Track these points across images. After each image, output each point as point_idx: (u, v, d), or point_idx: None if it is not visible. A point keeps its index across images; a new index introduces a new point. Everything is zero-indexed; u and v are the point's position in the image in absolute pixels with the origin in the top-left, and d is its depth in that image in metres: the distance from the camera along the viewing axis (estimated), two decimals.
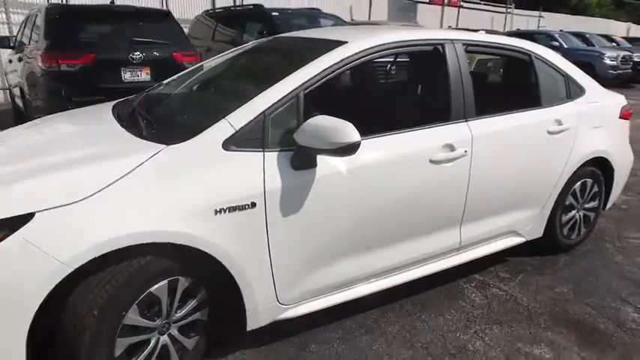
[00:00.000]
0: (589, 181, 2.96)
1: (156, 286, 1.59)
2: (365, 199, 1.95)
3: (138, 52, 4.56)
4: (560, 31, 14.54)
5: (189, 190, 1.59)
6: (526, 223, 2.72)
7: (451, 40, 2.34)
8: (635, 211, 3.87)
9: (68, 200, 1.45)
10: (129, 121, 2.03)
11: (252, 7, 7.42)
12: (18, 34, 6.29)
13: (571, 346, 2.14)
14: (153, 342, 1.66)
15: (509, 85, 2.95)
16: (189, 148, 1.65)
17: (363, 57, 2.03)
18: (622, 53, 12.30)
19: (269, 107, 1.76)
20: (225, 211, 1.62)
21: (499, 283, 2.67)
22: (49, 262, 1.38)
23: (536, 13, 21.19)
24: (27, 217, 1.40)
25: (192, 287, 1.72)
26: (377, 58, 2.09)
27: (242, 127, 1.71)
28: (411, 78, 2.74)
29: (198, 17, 8.54)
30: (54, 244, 1.39)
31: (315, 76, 1.88)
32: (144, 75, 4.66)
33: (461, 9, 17.61)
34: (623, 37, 18.01)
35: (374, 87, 2.98)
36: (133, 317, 1.56)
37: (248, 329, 1.84)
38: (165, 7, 9.82)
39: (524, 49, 2.68)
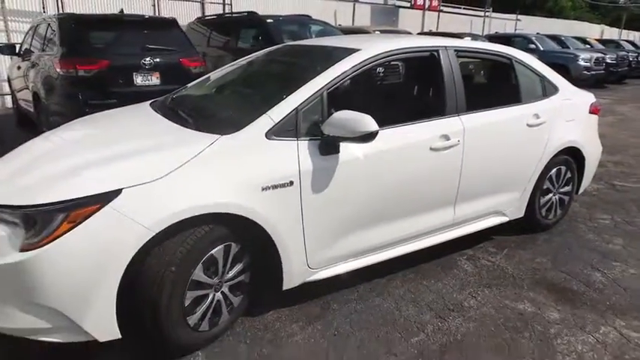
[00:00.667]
0: (563, 168, 3.40)
1: (215, 249, 1.94)
2: (378, 179, 2.34)
3: (148, 58, 4.88)
4: (537, 34, 15.27)
5: (241, 171, 1.96)
6: (509, 204, 3.14)
7: (445, 46, 2.75)
8: (604, 197, 4.34)
9: (148, 179, 1.79)
10: (177, 117, 2.38)
11: (246, 14, 7.76)
12: (23, 42, 6.53)
13: (549, 302, 2.56)
14: (210, 297, 2.02)
15: (493, 84, 3.38)
16: (239, 137, 2.01)
17: (373, 62, 2.42)
18: (595, 55, 13.01)
19: (300, 104, 2.14)
20: (269, 189, 1.99)
21: (487, 256, 3.08)
22: (136, 227, 1.73)
23: (513, 16, 22.00)
24: (116, 193, 1.74)
25: (239, 253, 2.07)
26: (385, 63, 2.49)
27: (280, 120, 2.08)
28: (412, 79, 3.14)
29: (191, 25, 8.83)
30: (139, 213, 1.74)
31: (336, 77, 2.27)
32: (154, 79, 4.97)
33: (441, 13, 18.24)
34: (596, 40, 18.90)
35: (382, 86, 3.38)
36: (198, 274, 1.91)
37: (284, 289, 2.20)
38: (157, 15, 10.09)
39: (505, 53, 3.11)
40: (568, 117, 3.35)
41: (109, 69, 4.63)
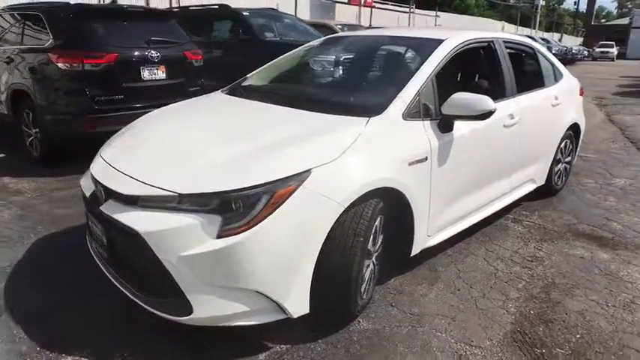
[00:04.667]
0: (568, 141, 4.03)
1: (377, 220, 2.14)
2: (474, 152, 2.68)
3: (154, 51, 4.71)
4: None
5: (393, 149, 2.18)
6: (538, 173, 3.67)
7: (496, 38, 3.16)
8: (578, 166, 5.12)
9: (328, 159, 1.93)
10: (296, 104, 2.47)
11: (217, 7, 7.64)
12: None
13: (595, 247, 3.11)
14: (370, 265, 2.21)
15: (525, 71, 3.81)
16: (384, 119, 2.22)
17: (457, 50, 2.75)
18: None
19: (420, 87, 2.40)
20: (413, 164, 2.23)
21: (526, 218, 3.59)
22: (329, 203, 1.87)
23: (433, 12, 23.73)
24: (307, 173, 1.86)
25: (384, 225, 2.29)
26: (462, 51, 2.82)
27: (410, 103, 2.32)
28: (479, 66, 3.46)
29: None
30: (329, 190, 1.88)
31: (438, 64, 2.56)
32: (160, 73, 4.82)
33: (373, 9, 19.16)
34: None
35: (458, 72, 3.74)
36: (370, 244, 2.10)
37: (411, 256, 2.46)
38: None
39: (529, 44, 3.62)
40: (571, 98, 3.97)
41: (117, 63, 4.41)
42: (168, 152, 2.15)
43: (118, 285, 2.04)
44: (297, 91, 2.89)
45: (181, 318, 1.83)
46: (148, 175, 1.95)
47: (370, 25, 17.08)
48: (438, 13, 23.92)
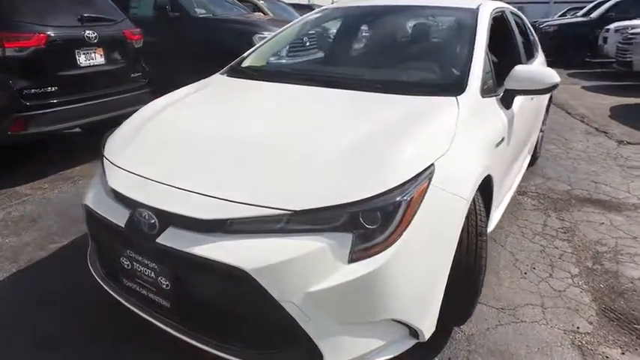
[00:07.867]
0: (545, 110, 4.18)
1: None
2: (520, 125, 2.56)
3: (90, 31, 3.86)
4: None
5: (483, 130, 1.94)
6: (532, 145, 3.73)
7: (504, 6, 3.07)
8: None
9: (443, 150, 1.62)
10: (352, 85, 2.12)
11: None
12: None
13: (604, 211, 3.25)
14: None
15: (523, 41, 3.77)
16: (468, 97, 1.96)
17: (491, 17, 2.58)
18: None
19: (482, 62, 2.19)
20: (497, 145, 2.03)
21: (528, 191, 3.64)
22: (457, 201, 1.58)
23: None
24: (432, 167, 1.54)
25: None
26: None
27: (482, 79, 2.10)
28: (501, 34, 3.32)
29: None
30: (454, 185, 1.58)
31: (486, 33, 2.37)
32: (98, 57, 3.98)
33: None
34: None
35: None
36: None
37: None
38: None
39: (519, 13, 3.61)
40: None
41: (48, 46, 3.52)
42: (235, 157, 1.63)
43: (190, 339, 1.54)
44: (356, 72, 2.48)
45: None
46: (228, 191, 1.46)
47: None
48: None
